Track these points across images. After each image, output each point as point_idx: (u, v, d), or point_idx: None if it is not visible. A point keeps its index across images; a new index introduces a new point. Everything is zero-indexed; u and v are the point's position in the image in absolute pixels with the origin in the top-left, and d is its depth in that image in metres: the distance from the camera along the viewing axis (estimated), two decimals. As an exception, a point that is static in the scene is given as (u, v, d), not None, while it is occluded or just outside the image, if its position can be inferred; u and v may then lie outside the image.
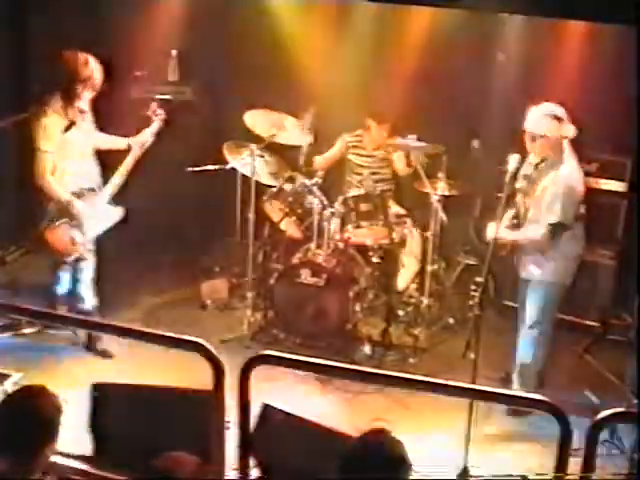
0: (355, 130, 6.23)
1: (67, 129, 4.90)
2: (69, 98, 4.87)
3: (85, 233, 5.02)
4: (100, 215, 5.07)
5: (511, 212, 4.73)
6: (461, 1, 5.71)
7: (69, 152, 4.95)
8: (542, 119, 4.53)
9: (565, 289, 4.83)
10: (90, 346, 5.29)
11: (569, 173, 4.57)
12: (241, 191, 5.96)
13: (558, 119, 4.53)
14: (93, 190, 5.07)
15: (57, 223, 4.93)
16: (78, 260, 5.09)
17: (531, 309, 4.80)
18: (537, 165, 4.62)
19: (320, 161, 6.21)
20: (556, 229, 4.56)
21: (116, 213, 5.15)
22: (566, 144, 4.59)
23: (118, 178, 5.10)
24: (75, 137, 4.96)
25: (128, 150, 5.13)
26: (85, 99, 4.93)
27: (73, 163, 4.99)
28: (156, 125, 5.21)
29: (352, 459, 2.52)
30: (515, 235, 4.68)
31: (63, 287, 5.21)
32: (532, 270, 4.72)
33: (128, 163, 5.10)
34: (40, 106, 4.91)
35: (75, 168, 5.00)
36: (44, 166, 4.88)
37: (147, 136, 5.19)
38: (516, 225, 4.73)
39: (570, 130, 4.56)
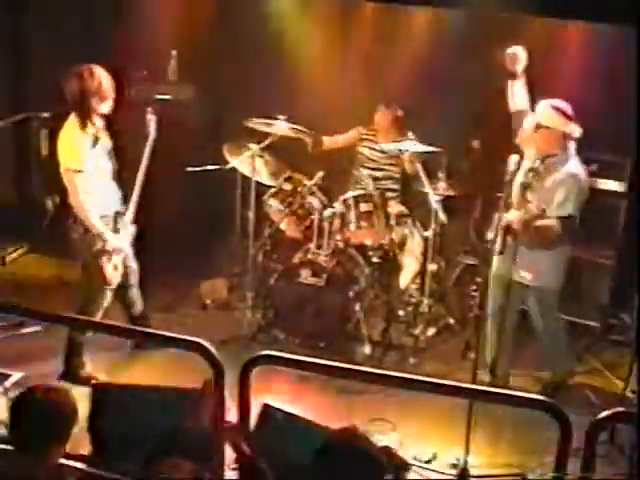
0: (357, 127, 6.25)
1: (94, 144, 4.60)
2: (85, 113, 4.55)
3: (120, 255, 4.81)
4: (127, 235, 4.87)
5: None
6: (461, 1, 5.73)
7: (97, 172, 4.64)
8: (549, 110, 4.52)
9: (558, 292, 4.81)
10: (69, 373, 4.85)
11: (579, 170, 4.56)
12: (241, 191, 5.96)
13: (565, 115, 4.51)
14: (119, 213, 4.81)
15: (99, 259, 4.66)
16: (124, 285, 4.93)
17: (534, 316, 4.85)
18: (544, 160, 4.55)
19: (328, 142, 6.22)
20: (566, 223, 4.51)
21: (132, 230, 4.90)
22: (571, 144, 4.57)
23: (135, 199, 4.84)
24: (100, 154, 4.66)
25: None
26: (101, 111, 4.62)
27: (100, 184, 4.68)
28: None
29: (322, 456, 2.54)
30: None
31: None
32: (524, 274, 4.69)
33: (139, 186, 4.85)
34: (57, 124, 4.61)
35: (102, 190, 4.70)
36: (77, 188, 4.54)
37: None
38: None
39: (576, 130, 4.53)
